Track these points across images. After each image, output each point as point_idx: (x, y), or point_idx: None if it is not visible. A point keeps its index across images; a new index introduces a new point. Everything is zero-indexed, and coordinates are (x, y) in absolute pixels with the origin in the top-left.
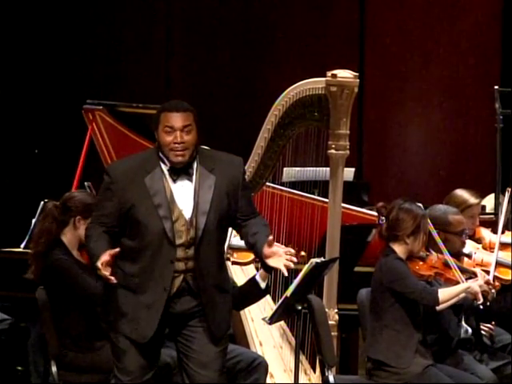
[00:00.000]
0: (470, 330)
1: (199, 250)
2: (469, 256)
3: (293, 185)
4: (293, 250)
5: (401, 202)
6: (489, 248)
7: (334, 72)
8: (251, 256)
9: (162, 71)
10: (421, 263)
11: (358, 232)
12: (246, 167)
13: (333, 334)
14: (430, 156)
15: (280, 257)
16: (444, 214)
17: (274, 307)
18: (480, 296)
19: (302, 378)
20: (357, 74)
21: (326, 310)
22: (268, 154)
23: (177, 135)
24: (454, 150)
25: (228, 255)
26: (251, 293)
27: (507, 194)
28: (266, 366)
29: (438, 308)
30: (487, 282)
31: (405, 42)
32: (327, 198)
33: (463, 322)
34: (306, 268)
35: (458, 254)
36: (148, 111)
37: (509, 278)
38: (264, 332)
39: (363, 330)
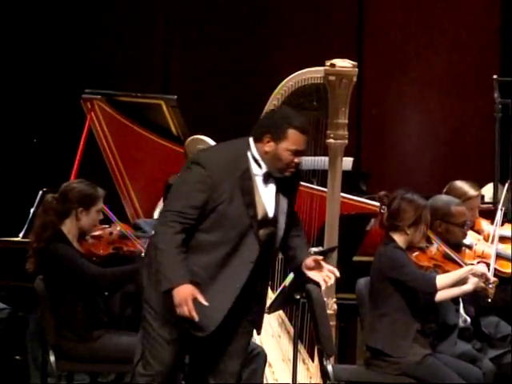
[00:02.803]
0: (468, 320)
1: (276, 250)
2: (469, 247)
3: None
4: (337, 273)
5: (403, 192)
6: (488, 239)
7: (333, 61)
8: None
9: (160, 65)
10: (420, 254)
11: (356, 221)
12: None
13: (331, 323)
14: (428, 145)
15: (322, 271)
16: (446, 205)
17: (273, 297)
18: (489, 275)
19: (301, 368)
20: (355, 63)
21: (325, 299)
22: None
23: (299, 156)
24: (453, 139)
25: None
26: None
27: (506, 186)
28: (265, 356)
29: (436, 297)
30: (486, 278)
31: (403, 31)
32: (326, 187)
33: (462, 311)
34: None
35: (459, 245)
36: (146, 100)
37: (509, 270)
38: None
39: (362, 320)
